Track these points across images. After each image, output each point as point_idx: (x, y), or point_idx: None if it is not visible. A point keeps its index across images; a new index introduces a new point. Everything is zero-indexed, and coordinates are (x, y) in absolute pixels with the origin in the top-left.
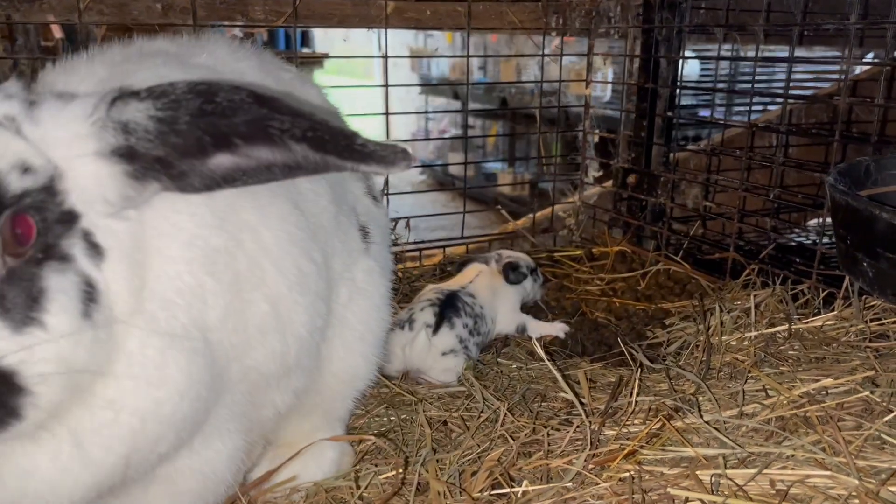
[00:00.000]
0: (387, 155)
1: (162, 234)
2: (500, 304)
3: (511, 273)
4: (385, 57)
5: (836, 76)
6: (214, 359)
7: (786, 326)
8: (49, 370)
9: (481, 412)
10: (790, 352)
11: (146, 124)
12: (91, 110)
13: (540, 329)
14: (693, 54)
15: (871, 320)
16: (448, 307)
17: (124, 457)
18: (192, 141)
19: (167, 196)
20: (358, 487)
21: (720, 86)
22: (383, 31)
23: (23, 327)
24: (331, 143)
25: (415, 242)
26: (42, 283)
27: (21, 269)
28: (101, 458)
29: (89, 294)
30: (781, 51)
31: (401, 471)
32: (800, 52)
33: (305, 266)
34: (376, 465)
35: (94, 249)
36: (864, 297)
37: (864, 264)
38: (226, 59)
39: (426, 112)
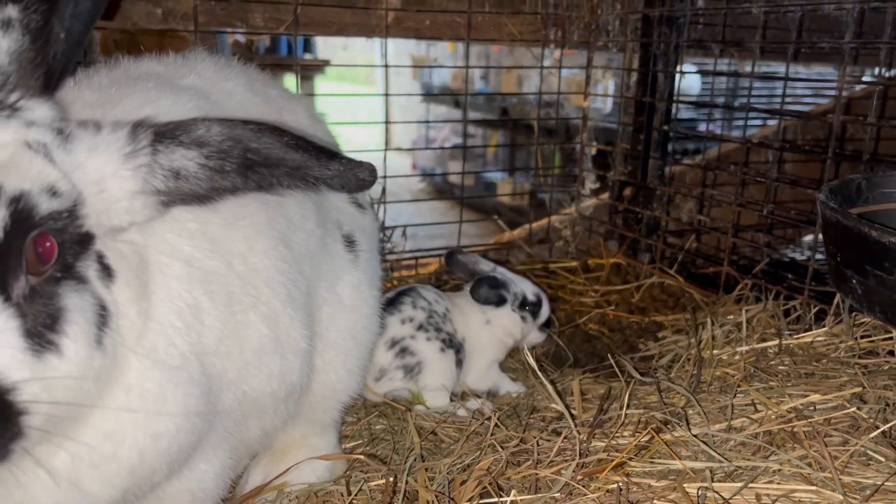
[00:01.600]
0: (371, 180)
1: (162, 253)
2: (472, 349)
3: (481, 289)
4: (385, 66)
5: (833, 94)
6: (210, 387)
7: (777, 342)
8: (57, 398)
9: (470, 422)
10: (780, 367)
11: (196, 172)
12: (126, 147)
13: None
14: (694, 69)
15: (861, 337)
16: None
17: (122, 490)
18: (239, 184)
19: (165, 221)
20: (349, 493)
21: (719, 101)
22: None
23: (43, 353)
24: (350, 185)
25: (411, 251)
26: (61, 302)
27: (41, 287)
28: (99, 493)
29: (103, 318)
30: (780, 68)
31: (390, 479)
32: (800, 71)
33: (293, 290)
34: (366, 474)
35: (106, 271)
36: (853, 314)
37: (854, 281)
38: (214, 78)
39: (427, 122)
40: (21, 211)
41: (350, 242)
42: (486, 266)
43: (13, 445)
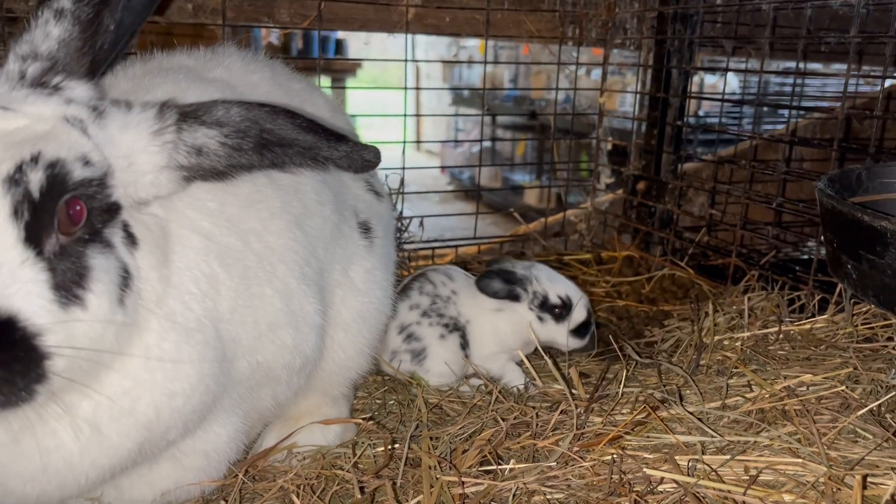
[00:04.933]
0: (375, 161)
1: (182, 227)
2: (473, 334)
3: (492, 280)
4: (409, 61)
5: (853, 93)
6: (224, 352)
7: (777, 328)
8: (80, 345)
9: (473, 396)
10: (779, 352)
11: (217, 149)
12: (154, 125)
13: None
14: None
15: (862, 324)
16: (401, 292)
17: (138, 444)
18: (255, 161)
19: (185, 199)
20: (354, 455)
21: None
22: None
23: (69, 305)
24: (356, 165)
25: (427, 241)
26: (87, 262)
27: (70, 246)
28: (118, 443)
29: (125, 280)
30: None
31: (395, 445)
32: (818, 70)
33: (306, 269)
34: (372, 441)
35: (130, 239)
36: (853, 300)
37: (849, 266)
38: (240, 72)
39: (455, 115)
40: (56, 175)
41: (366, 229)
42: (521, 269)
43: (37, 386)
